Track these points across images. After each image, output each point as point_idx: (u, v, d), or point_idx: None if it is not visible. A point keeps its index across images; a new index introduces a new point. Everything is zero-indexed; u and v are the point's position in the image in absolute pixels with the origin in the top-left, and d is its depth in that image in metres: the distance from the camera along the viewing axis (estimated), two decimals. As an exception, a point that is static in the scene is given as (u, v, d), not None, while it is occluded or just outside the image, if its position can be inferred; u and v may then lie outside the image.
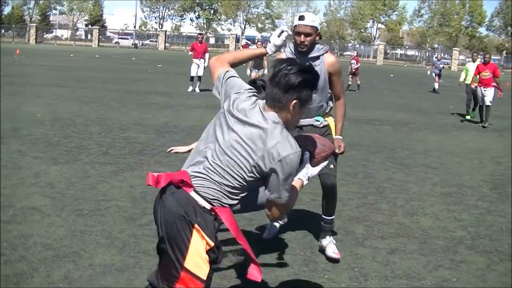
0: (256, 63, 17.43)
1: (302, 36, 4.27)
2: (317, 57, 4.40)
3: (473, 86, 15.31)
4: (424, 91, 25.30)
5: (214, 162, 2.64)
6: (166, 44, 64.33)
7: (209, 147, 2.71)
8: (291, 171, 2.61)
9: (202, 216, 2.60)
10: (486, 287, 4.37)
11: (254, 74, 17.21)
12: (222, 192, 2.64)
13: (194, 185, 2.65)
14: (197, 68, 17.97)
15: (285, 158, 2.55)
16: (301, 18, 4.28)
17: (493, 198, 7.02)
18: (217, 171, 2.63)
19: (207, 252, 2.59)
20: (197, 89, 17.91)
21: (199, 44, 18.44)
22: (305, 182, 2.87)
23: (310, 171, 2.89)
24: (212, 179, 2.63)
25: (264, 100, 2.71)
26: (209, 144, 2.72)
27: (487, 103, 14.37)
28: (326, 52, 4.48)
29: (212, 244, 2.59)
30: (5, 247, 4.41)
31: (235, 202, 2.70)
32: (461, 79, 16.76)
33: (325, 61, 4.41)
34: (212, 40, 79.18)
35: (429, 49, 73.05)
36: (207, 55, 18.22)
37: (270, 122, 2.62)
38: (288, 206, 2.76)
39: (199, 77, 18.03)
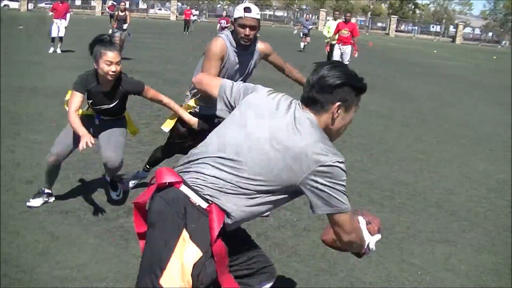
0: (120, 24, 16.83)
1: (248, 29, 3.91)
2: (254, 49, 4.17)
3: (327, 49, 15.92)
4: (292, 50, 25.88)
5: (223, 158, 2.14)
6: (29, 5, 60.41)
7: (213, 145, 2.22)
8: (341, 180, 2.09)
9: (192, 218, 2.08)
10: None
11: (118, 35, 16.49)
12: (229, 194, 2.11)
13: (188, 180, 2.15)
14: (57, 29, 17.18)
15: (330, 165, 2.05)
16: (247, 10, 3.89)
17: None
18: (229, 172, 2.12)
19: (195, 264, 2.06)
20: (58, 50, 17.12)
21: (60, 4, 17.63)
22: (371, 246, 2.36)
23: (369, 238, 2.36)
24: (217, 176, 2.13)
25: (299, 101, 2.26)
26: (211, 144, 2.24)
27: (345, 61, 15.00)
28: (257, 41, 4.22)
29: (201, 254, 2.06)
30: None
31: (239, 214, 2.14)
32: (327, 35, 17.21)
33: (259, 51, 4.20)
34: (78, 2, 75.58)
35: (297, 10, 74.72)
36: (68, 15, 17.71)
37: (308, 120, 2.15)
38: (354, 239, 2.23)
39: (60, 38, 17.27)
